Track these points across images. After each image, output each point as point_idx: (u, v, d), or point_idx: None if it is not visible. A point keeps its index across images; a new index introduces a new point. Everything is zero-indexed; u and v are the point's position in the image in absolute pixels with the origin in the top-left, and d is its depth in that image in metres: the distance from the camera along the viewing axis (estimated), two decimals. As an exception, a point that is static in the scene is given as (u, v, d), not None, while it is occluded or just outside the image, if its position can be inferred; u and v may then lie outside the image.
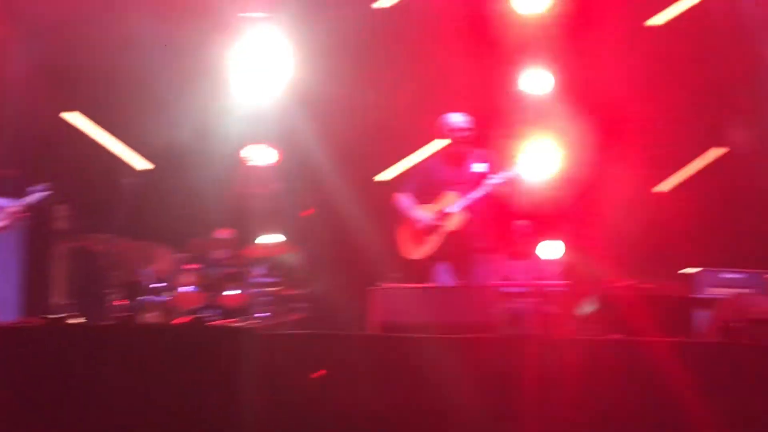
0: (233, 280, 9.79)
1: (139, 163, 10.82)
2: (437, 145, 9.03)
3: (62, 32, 10.38)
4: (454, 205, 8.65)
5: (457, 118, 8.78)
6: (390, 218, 9.94)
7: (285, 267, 10.09)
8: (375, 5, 11.14)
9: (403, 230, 8.86)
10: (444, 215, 8.66)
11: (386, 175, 11.37)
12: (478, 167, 8.72)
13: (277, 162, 10.90)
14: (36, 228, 9.34)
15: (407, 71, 10.96)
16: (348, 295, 9.57)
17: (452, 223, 8.64)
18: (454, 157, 8.82)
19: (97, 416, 5.99)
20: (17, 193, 8.26)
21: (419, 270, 9.75)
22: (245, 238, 10.39)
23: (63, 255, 9.08)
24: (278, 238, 10.37)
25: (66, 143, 10.68)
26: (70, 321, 6.82)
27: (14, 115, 10.37)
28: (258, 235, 10.51)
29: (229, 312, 9.59)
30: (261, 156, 10.92)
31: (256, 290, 9.72)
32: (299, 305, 9.95)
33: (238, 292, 9.72)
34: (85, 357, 6.05)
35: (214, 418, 6.06)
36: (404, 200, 8.85)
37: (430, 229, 8.72)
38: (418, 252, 8.79)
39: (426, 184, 8.84)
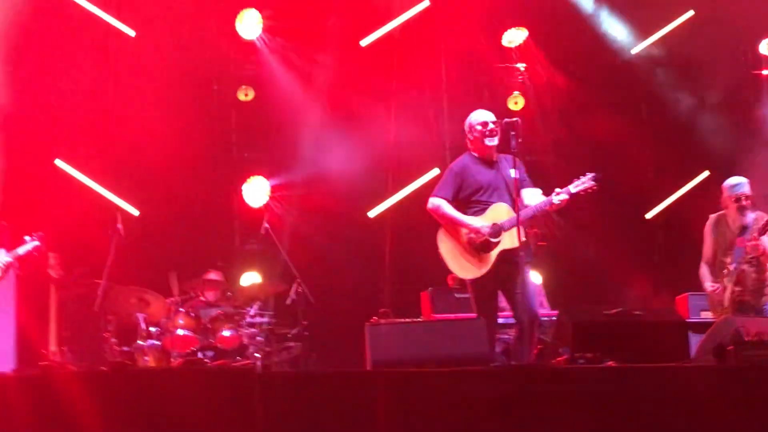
0: (226, 321, 9.80)
1: (129, 209, 10.87)
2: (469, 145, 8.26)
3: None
4: (509, 219, 7.84)
5: (484, 116, 8.17)
6: (379, 252, 10.03)
7: (278, 305, 10.12)
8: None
9: (450, 242, 8.05)
10: (499, 228, 7.87)
11: (376, 211, 11.47)
12: (511, 172, 7.91)
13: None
14: (29, 276, 9.36)
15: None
16: (343, 332, 9.61)
17: (512, 239, 7.76)
18: (487, 157, 8.16)
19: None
20: (8, 242, 8.29)
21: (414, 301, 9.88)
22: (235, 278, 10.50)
23: (57, 302, 9.10)
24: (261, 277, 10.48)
25: (57, 190, 10.74)
26: (69, 367, 6.84)
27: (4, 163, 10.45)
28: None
29: (224, 353, 9.60)
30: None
31: (249, 330, 9.76)
32: (294, 343, 9.99)
33: (232, 332, 9.73)
34: (88, 403, 6.06)
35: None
36: (447, 207, 8.04)
37: (488, 244, 7.92)
38: (474, 270, 7.97)
39: (460, 187, 8.09)
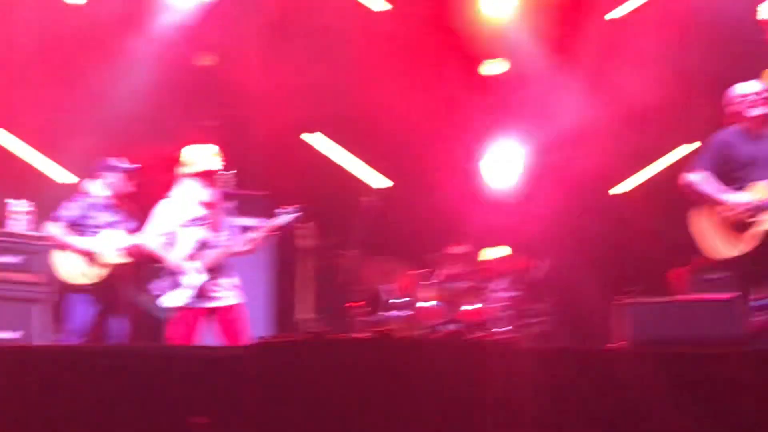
0: (473, 295, 9.85)
1: (377, 181, 11.07)
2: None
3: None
4: None
5: (751, 86, 7.65)
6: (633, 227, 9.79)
7: (526, 280, 10.10)
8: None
9: (705, 220, 7.69)
10: (757, 207, 7.41)
11: (621, 188, 11.29)
12: None
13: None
14: (283, 246, 9.65)
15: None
16: (592, 309, 9.51)
17: None
18: (752, 130, 7.62)
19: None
20: (266, 213, 8.54)
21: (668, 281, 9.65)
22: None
23: (309, 272, 9.33)
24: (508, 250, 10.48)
25: (308, 163, 11.03)
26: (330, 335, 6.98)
27: (261, 137, 10.79)
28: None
29: (469, 326, 9.65)
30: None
31: (496, 304, 9.76)
32: (541, 318, 9.94)
33: (478, 306, 9.77)
34: (349, 371, 6.17)
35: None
36: (704, 181, 7.62)
37: (747, 222, 7.47)
38: (731, 249, 7.59)
39: (721, 161, 7.65)
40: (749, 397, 6.09)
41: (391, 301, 9.87)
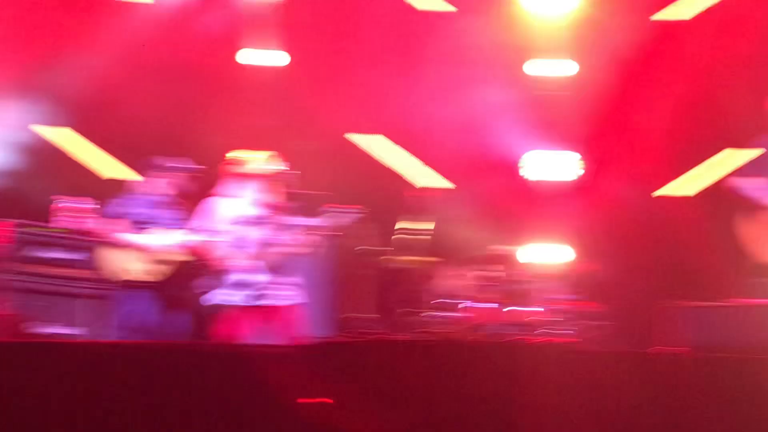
0: (524, 296, 9.86)
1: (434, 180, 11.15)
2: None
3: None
4: None
5: None
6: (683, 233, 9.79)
7: (582, 282, 10.11)
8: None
9: (754, 224, 7.83)
10: None
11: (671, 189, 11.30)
12: None
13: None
14: (344, 246, 9.73)
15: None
16: (647, 312, 9.51)
17: None
18: None
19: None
20: (327, 214, 8.62)
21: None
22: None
23: (367, 273, 9.42)
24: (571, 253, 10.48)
25: (367, 164, 11.14)
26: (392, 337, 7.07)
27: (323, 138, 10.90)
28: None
29: (521, 328, 9.67)
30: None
31: (550, 306, 9.80)
32: (598, 322, 9.95)
33: (531, 308, 9.79)
34: (411, 372, 6.23)
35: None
36: (753, 186, 7.78)
37: None
38: None
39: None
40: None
41: (440, 301, 9.89)
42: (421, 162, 11.44)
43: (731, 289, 9.53)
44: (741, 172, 7.90)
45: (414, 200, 10.04)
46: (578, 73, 11.24)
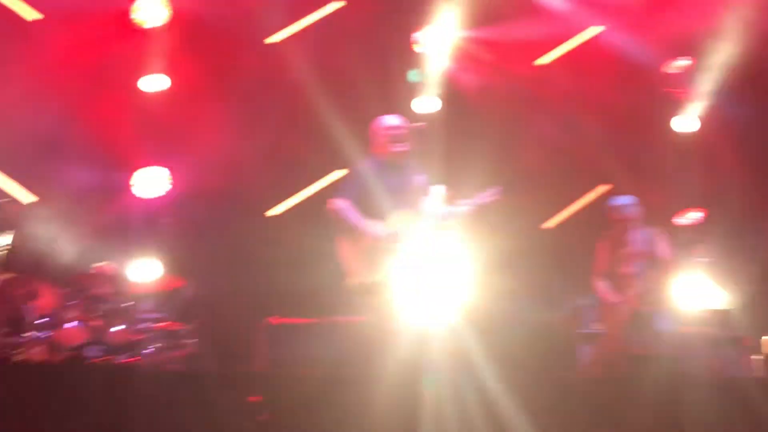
0: (118, 316, 9.61)
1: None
2: None
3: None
4: None
5: (394, 120, 8.01)
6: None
7: (171, 301, 9.98)
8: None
9: (351, 245, 7.90)
10: None
11: (276, 209, 11.42)
12: None
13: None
14: None
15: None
16: (236, 330, 9.52)
17: None
18: (392, 163, 7.95)
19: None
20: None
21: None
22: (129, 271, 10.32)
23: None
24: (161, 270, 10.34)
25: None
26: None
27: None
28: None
29: (114, 348, 9.41)
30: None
31: (141, 326, 9.58)
32: (186, 341, 9.83)
33: (123, 327, 9.55)
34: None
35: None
36: (348, 209, 7.83)
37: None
38: (371, 275, 7.78)
39: (363, 191, 7.89)
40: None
41: (33, 321, 9.46)
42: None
43: (326, 307, 9.75)
44: (337, 194, 8.00)
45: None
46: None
